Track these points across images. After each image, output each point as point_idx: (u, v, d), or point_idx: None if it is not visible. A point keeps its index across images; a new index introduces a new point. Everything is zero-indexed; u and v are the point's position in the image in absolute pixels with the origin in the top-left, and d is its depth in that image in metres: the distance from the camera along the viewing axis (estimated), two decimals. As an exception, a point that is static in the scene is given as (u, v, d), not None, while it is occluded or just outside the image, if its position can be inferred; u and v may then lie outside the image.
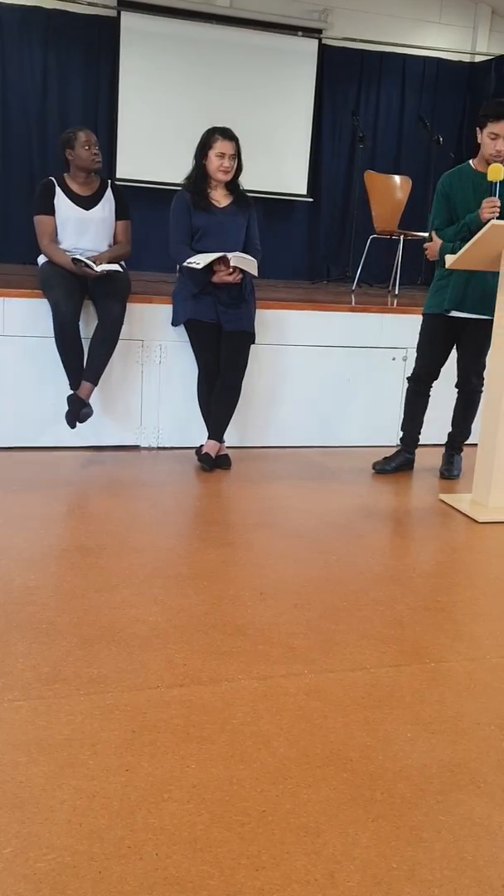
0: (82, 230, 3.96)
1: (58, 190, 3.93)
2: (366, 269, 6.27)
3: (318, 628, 2.38)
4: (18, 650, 2.14)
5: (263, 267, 4.02)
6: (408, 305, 4.84)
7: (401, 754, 1.81)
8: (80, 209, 3.95)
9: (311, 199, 7.69)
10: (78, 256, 3.77)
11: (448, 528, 3.39)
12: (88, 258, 3.78)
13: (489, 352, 3.60)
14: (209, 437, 4.01)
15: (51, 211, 3.92)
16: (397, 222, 6.05)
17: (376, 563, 2.93)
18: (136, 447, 4.31)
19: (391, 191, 6.23)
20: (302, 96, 7.44)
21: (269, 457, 4.33)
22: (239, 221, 3.95)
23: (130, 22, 6.89)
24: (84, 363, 3.85)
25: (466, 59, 8.00)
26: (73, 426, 3.82)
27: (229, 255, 3.74)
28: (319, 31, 7.41)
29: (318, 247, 7.87)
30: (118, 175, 6.90)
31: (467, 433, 4.12)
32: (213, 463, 3.95)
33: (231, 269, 3.78)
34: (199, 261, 3.70)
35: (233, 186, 3.95)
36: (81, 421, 3.79)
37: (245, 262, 3.79)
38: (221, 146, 3.79)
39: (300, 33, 7.32)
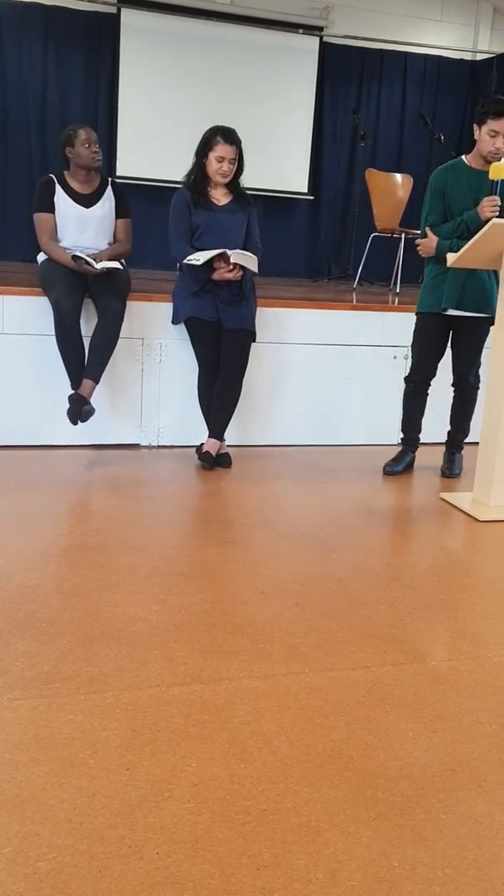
0: (82, 228, 3.96)
1: (58, 188, 3.92)
2: (367, 267, 6.26)
3: (319, 627, 2.38)
4: (18, 649, 2.13)
5: (264, 265, 4.02)
6: (409, 304, 4.82)
7: (402, 753, 1.80)
8: (81, 207, 3.95)
9: (311, 197, 7.69)
10: (78, 253, 3.77)
11: (449, 527, 3.38)
12: (88, 256, 3.77)
13: (491, 351, 3.59)
14: (209, 436, 4.00)
15: (51, 209, 3.91)
16: (398, 220, 6.05)
17: (377, 561, 2.93)
18: (136, 445, 4.31)
19: (392, 189, 6.22)
20: (303, 94, 7.43)
21: (269, 455, 4.33)
22: (239, 219, 3.95)
23: (130, 19, 6.88)
24: (85, 361, 3.85)
25: (468, 57, 7.99)
26: (74, 424, 3.82)
27: (229, 252, 3.73)
28: (320, 28, 7.41)
29: (319, 245, 7.86)
30: (118, 173, 6.89)
31: (466, 431, 4.12)
32: (213, 461, 3.94)
33: (231, 266, 3.78)
34: (200, 257, 3.70)
35: (233, 185, 3.94)
36: (83, 419, 3.79)
37: (245, 258, 3.78)
38: (222, 150, 3.78)
39: (301, 31, 7.32)
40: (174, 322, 4.06)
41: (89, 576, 2.62)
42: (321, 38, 7.42)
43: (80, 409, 3.76)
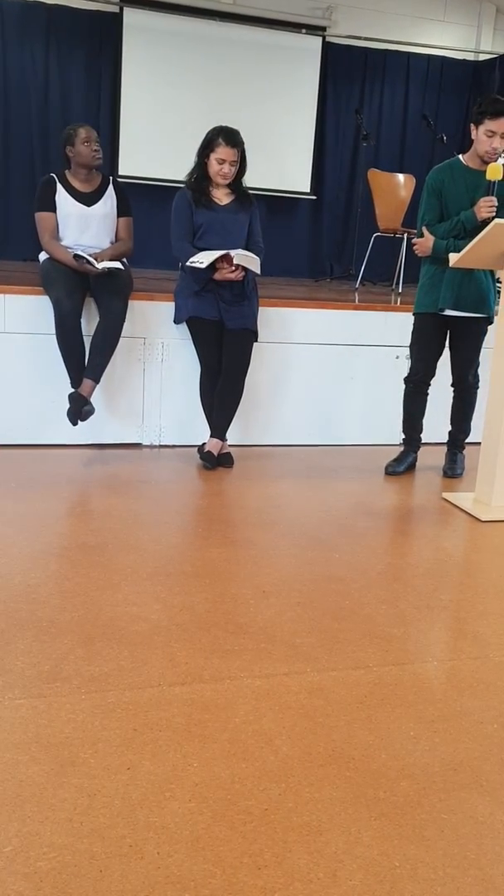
0: (84, 227, 3.96)
1: (59, 186, 3.92)
2: (369, 267, 6.26)
3: (321, 627, 2.37)
4: (19, 648, 2.13)
5: (266, 264, 4.01)
6: (411, 304, 4.80)
7: (403, 753, 1.80)
8: (82, 206, 3.95)
9: (314, 197, 7.69)
10: (79, 253, 3.76)
11: (451, 527, 3.38)
12: (90, 255, 3.77)
13: (493, 352, 3.58)
14: (211, 435, 4.00)
15: (52, 208, 3.91)
16: (401, 220, 6.04)
17: (379, 561, 2.93)
18: (138, 445, 4.31)
19: (395, 189, 6.22)
20: (305, 94, 7.43)
21: (271, 455, 4.32)
22: (240, 219, 3.94)
23: (133, 18, 6.88)
24: (85, 361, 3.85)
25: (470, 57, 7.99)
26: (74, 424, 3.82)
27: (232, 253, 3.73)
28: (323, 28, 7.41)
29: (322, 245, 7.86)
30: (120, 172, 6.89)
31: (467, 431, 4.11)
32: (215, 461, 3.94)
33: (234, 268, 3.77)
34: (203, 259, 3.69)
35: (235, 185, 3.93)
36: (83, 419, 3.79)
37: (248, 259, 3.78)
38: (223, 152, 3.77)
39: (304, 31, 7.31)
40: (176, 321, 4.06)
41: (90, 575, 2.62)
42: (324, 37, 7.42)
43: (80, 409, 3.76)
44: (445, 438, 4.19)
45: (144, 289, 4.32)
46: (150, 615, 2.37)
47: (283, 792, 1.64)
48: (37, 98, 6.84)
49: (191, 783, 1.65)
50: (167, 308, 4.13)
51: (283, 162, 7.37)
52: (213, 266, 3.77)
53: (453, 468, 4.09)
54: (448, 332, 3.90)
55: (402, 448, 4.14)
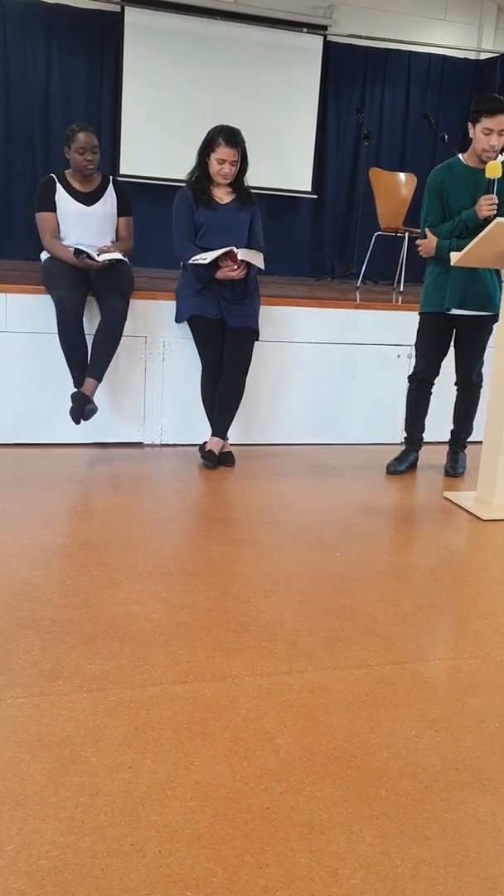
0: (84, 226, 3.96)
1: (58, 187, 3.92)
2: (370, 266, 6.25)
3: (323, 625, 2.37)
4: (21, 647, 2.13)
5: (268, 263, 4.00)
6: (412, 303, 4.80)
7: (405, 751, 1.80)
8: (82, 205, 3.95)
9: (315, 196, 7.68)
10: (79, 247, 3.76)
11: (452, 526, 3.38)
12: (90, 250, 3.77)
13: (495, 350, 3.58)
14: (213, 434, 4.00)
15: (52, 208, 3.92)
16: (402, 219, 6.04)
17: (380, 560, 2.92)
18: (139, 444, 4.31)
19: (396, 188, 6.22)
20: (307, 93, 7.42)
21: (272, 454, 4.32)
22: (242, 218, 3.94)
23: (134, 17, 6.87)
24: (87, 360, 3.85)
25: (472, 56, 7.97)
26: (77, 423, 3.81)
27: (236, 250, 3.73)
28: (324, 27, 7.39)
29: (323, 244, 7.85)
30: (121, 171, 6.88)
31: (470, 430, 4.11)
32: (216, 460, 3.94)
33: (237, 265, 3.77)
34: (206, 256, 3.69)
35: (236, 184, 3.93)
36: (86, 418, 3.79)
37: (252, 255, 3.77)
38: (223, 153, 3.77)
39: (305, 30, 7.30)
40: (177, 320, 4.06)
41: (92, 574, 2.62)
42: (325, 36, 7.40)
43: (82, 408, 3.76)
44: (447, 437, 4.18)
45: (146, 288, 4.32)
46: (151, 614, 2.37)
47: (285, 791, 1.64)
48: (38, 97, 6.83)
49: (192, 782, 1.65)
50: (168, 307, 4.13)
51: (284, 161, 7.36)
52: (215, 264, 3.76)
53: (455, 467, 4.09)
54: (454, 330, 3.90)
55: (403, 447, 4.14)
